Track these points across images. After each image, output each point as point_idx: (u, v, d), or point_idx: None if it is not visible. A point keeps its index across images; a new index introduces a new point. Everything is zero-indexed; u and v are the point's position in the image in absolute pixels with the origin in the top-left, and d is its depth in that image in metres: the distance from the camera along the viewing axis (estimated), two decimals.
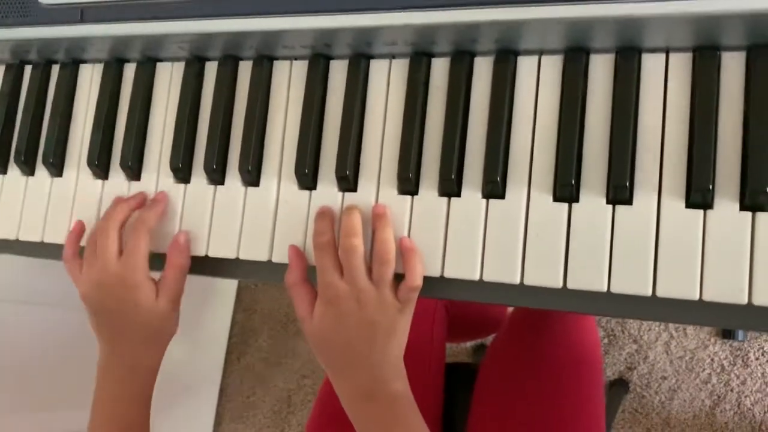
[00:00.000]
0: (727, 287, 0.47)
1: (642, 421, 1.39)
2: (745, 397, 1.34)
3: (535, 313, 0.83)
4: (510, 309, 1.03)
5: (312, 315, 0.56)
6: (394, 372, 0.56)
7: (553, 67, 0.53)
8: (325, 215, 0.57)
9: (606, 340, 1.43)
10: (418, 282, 0.54)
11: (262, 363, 1.67)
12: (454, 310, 0.94)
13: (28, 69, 0.71)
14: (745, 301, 0.46)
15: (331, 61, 0.60)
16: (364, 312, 0.54)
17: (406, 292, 0.54)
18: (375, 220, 0.56)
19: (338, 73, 0.60)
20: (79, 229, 0.65)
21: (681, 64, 0.50)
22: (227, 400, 1.68)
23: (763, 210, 0.47)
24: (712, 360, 1.36)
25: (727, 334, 1.35)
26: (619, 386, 1.40)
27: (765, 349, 1.34)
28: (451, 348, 1.54)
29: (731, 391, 1.35)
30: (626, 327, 1.42)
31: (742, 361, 1.35)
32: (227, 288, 1.69)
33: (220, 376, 1.68)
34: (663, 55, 0.51)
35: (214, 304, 1.64)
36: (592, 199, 0.51)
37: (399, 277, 0.54)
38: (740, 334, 1.35)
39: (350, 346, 0.55)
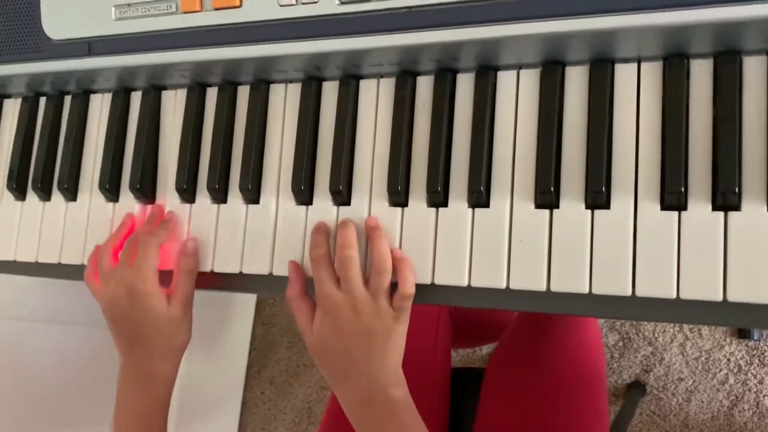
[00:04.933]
0: (703, 285, 0.48)
1: (660, 423, 1.39)
2: (764, 396, 1.33)
3: (536, 317, 0.84)
4: (515, 313, 1.04)
5: (312, 326, 0.59)
6: (393, 379, 0.57)
7: (531, 80, 0.55)
8: (320, 230, 0.60)
9: (621, 344, 1.43)
10: (411, 290, 0.56)
11: (283, 375, 1.69)
12: (458, 317, 0.95)
13: (42, 101, 0.75)
14: (720, 297, 0.48)
15: (323, 83, 0.63)
16: (361, 320, 0.56)
17: (399, 300, 0.56)
18: (369, 232, 0.58)
19: (330, 93, 0.63)
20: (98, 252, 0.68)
21: (652, 72, 0.52)
22: (249, 413, 1.71)
23: (734, 209, 0.48)
24: (729, 360, 1.36)
25: (743, 334, 1.35)
26: (636, 389, 1.39)
27: None
28: (466, 355, 1.56)
29: (749, 390, 1.34)
30: (641, 330, 1.42)
31: (759, 360, 1.34)
32: (246, 303, 1.72)
33: (242, 389, 1.71)
34: (635, 65, 0.52)
35: (234, 319, 1.67)
36: (572, 205, 0.53)
37: (392, 287, 0.57)
38: (756, 333, 1.34)
39: (349, 354, 0.57)
